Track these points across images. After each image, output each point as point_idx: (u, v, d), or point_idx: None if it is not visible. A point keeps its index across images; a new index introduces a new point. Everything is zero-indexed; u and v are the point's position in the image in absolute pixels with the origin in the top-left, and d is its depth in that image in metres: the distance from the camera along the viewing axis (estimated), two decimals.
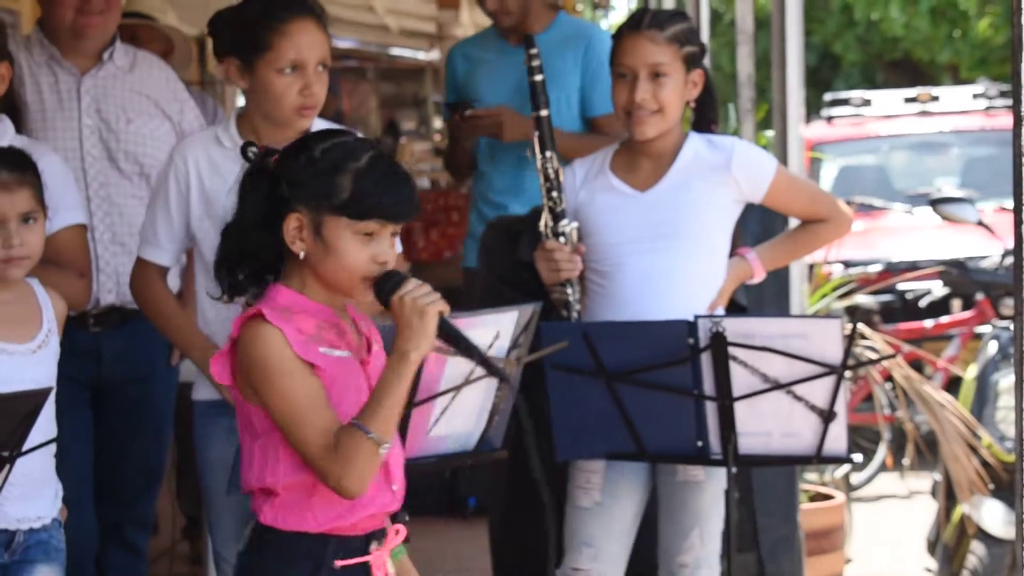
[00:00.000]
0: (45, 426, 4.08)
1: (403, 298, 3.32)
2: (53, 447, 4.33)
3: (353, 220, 3.35)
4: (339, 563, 3.41)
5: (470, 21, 18.80)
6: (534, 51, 4.78)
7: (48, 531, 4.35)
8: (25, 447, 3.76)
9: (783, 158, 5.83)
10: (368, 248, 3.38)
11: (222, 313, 4.29)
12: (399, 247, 4.82)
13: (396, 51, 23.16)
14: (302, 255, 3.40)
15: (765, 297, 5.48)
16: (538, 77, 4.77)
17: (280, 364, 3.32)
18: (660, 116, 4.60)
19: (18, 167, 4.29)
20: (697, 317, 4.34)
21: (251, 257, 3.48)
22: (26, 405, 3.73)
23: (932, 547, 7.22)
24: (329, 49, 4.62)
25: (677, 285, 4.61)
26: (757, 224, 5.34)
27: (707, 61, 5.01)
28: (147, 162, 5.55)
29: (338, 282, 3.43)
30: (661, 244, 4.61)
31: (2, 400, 3.72)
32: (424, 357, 3.38)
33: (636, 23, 4.65)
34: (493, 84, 5.95)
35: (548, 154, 4.66)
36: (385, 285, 3.37)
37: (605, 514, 4.66)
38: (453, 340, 3.43)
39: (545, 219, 4.66)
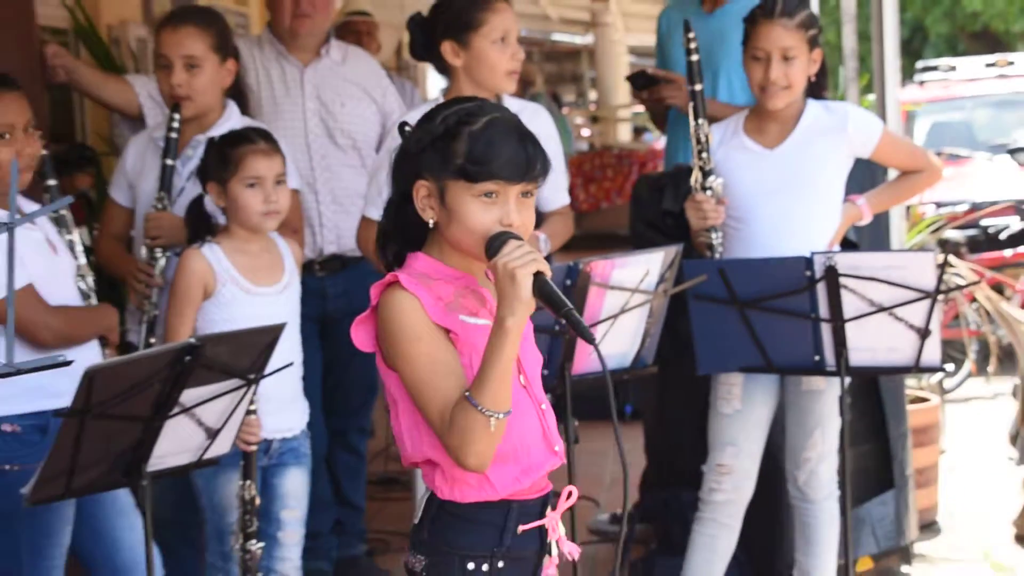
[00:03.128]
0: (290, 355, 4.20)
1: (497, 263, 2.76)
2: (300, 372, 4.47)
3: (471, 183, 2.83)
4: (522, 528, 2.94)
5: (618, 10, 18.69)
6: (692, 35, 4.70)
7: (297, 440, 4.49)
8: (268, 372, 3.84)
9: (882, 118, 5.76)
10: (493, 211, 2.84)
11: None
12: (566, 199, 4.85)
13: (557, 36, 23.13)
14: (431, 223, 2.91)
15: (870, 234, 5.43)
16: (694, 57, 4.69)
17: (411, 330, 2.84)
18: (789, 91, 4.55)
19: (271, 139, 4.40)
20: (813, 254, 4.34)
21: (400, 230, 2.98)
22: (265, 338, 3.79)
23: (1013, 439, 7.14)
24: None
25: (801, 227, 4.58)
26: (861, 174, 5.30)
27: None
28: (359, 137, 5.62)
29: (466, 247, 2.88)
30: (787, 193, 4.58)
31: (246, 334, 3.80)
32: (522, 322, 2.79)
33: (770, 11, 4.58)
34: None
35: (700, 121, 4.61)
36: (490, 248, 2.81)
37: (744, 418, 4.67)
38: (549, 302, 2.80)
39: (695, 176, 4.62)
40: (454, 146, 2.85)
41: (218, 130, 4.64)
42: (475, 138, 2.84)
